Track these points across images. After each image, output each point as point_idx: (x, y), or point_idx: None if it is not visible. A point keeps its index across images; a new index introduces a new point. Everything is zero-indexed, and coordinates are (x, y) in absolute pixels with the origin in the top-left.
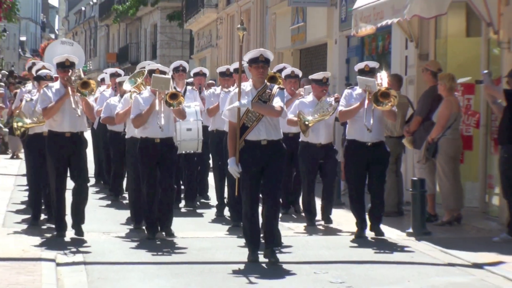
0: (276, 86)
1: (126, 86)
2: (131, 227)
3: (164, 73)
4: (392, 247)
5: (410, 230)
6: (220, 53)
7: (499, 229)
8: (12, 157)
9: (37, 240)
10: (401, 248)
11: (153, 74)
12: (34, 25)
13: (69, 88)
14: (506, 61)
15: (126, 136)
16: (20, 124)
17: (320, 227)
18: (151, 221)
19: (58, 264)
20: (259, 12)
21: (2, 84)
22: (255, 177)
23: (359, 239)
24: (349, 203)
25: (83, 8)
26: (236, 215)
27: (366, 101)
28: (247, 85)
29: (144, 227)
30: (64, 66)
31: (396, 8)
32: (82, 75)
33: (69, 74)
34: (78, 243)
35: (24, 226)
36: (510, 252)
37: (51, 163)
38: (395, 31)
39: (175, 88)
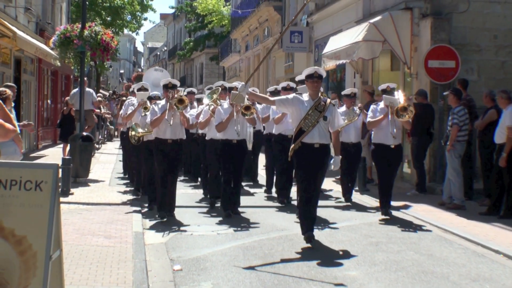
0: (328, 100)
1: (205, 100)
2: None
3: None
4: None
5: (357, 188)
6: (242, 81)
7: (410, 187)
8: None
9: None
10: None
11: (232, 91)
12: (128, 63)
13: (168, 106)
14: (415, 86)
15: (206, 138)
16: (133, 133)
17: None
18: (226, 201)
19: (143, 214)
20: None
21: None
22: (309, 172)
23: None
24: (378, 191)
25: (158, 53)
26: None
27: (390, 115)
28: (304, 96)
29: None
30: (167, 87)
31: (348, 53)
32: (181, 94)
33: (171, 94)
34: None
35: (122, 186)
36: (416, 201)
37: (157, 162)
38: (348, 67)
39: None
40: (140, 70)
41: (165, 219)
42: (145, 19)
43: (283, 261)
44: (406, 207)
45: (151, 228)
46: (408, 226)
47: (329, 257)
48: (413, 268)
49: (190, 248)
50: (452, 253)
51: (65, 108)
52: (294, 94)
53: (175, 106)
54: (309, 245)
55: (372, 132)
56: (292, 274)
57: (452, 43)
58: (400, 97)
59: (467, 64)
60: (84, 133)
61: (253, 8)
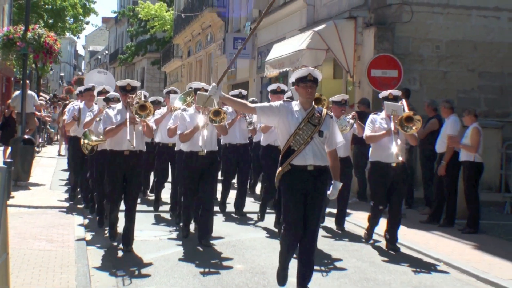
0: (324, 111)
1: (177, 103)
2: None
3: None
4: None
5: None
6: (182, 86)
7: (351, 195)
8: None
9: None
10: None
11: (198, 92)
12: (69, 66)
13: (128, 114)
14: (357, 94)
15: (176, 149)
16: (86, 141)
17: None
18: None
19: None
20: (207, 61)
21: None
22: (299, 203)
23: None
24: (371, 217)
25: (99, 57)
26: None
27: (392, 126)
28: (294, 105)
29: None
30: (125, 90)
31: (292, 61)
32: (142, 98)
33: (130, 98)
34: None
35: (63, 190)
36: (356, 208)
37: (109, 178)
38: (290, 74)
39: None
40: (80, 73)
41: (114, 243)
42: (87, 22)
43: (226, 267)
44: (347, 214)
45: (93, 232)
46: (349, 234)
47: (272, 265)
48: (356, 275)
49: (133, 253)
50: (394, 261)
51: (6, 110)
52: (281, 102)
53: (136, 115)
54: (253, 252)
55: (370, 148)
56: (235, 280)
57: (395, 53)
58: (403, 105)
59: (410, 73)
60: (26, 136)
61: (196, 13)
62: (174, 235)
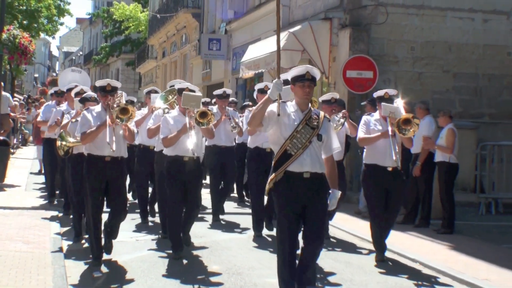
0: (321, 113)
1: (159, 103)
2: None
3: (193, 91)
4: None
5: None
6: (157, 86)
7: None
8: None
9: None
10: None
11: (184, 92)
12: (43, 67)
13: (108, 117)
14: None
15: (156, 149)
16: (62, 143)
17: None
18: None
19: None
20: (183, 62)
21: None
22: (294, 216)
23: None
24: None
25: (74, 57)
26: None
27: (390, 128)
28: (290, 106)
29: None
30: (105, 91)
31: (267, 62)
32: (123, 101)
33: (110, 100)
34: None
35: (39, 191)
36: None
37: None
38: (266, 75)
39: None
40: (55, 74)
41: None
42: (62, 24)
43: (203, 268)
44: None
45: (69, 233)
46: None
47: (249, 265)
48: (332, 276)
49: (109, 254)
50: (370, 261)
51: None
52: (275, 104)
53: (117, 119)
54: (229, 252)
55: (364, 150)
56: (212, 281)
57: (370, 54)
58: (400, 106)
59: (385, 74)
60: (1, 137)
61: (171, 13)
62: (150, 237)
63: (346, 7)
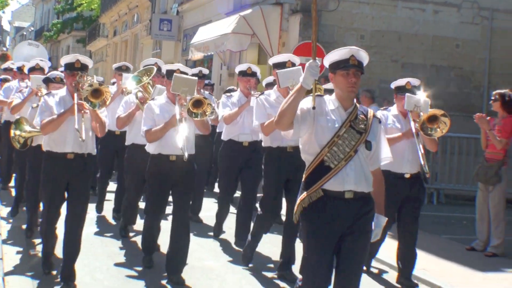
0: (371, 111)
1: (130, 84)
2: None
3: (186, 74)
4: None
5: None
6: (107, 66)
7: None
8: None
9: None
10: None
11: (175, 74)
12: None
13: (76, 99)
14: None
15: (126, 143)
16: (17, 132)
17: None
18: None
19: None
20: (134, 42)
21: None
22: (328, 249)
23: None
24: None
25: (25, 33)
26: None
27: (413, 126)
28: (328, 101)
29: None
30: (73, 69)
31: (217, 44)
32: (95, 81)
33: (78, 78)
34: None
35: None
36: None
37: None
38: (215, 58)
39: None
40: (5, 49)
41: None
42: None
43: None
44: None
45: (10, 238)
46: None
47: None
48: None
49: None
50: None
51: None
52: (308, 98)
53: (87, 101)
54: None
55: None
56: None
57: (320, 41)
58: (422, 99)
59: None
60: None
61: None
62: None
63: None
